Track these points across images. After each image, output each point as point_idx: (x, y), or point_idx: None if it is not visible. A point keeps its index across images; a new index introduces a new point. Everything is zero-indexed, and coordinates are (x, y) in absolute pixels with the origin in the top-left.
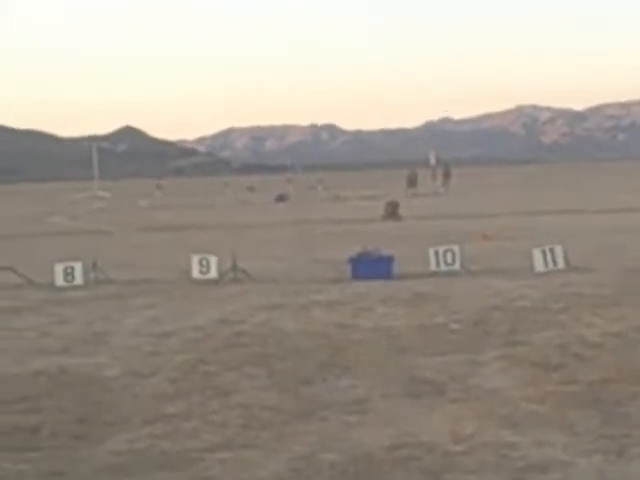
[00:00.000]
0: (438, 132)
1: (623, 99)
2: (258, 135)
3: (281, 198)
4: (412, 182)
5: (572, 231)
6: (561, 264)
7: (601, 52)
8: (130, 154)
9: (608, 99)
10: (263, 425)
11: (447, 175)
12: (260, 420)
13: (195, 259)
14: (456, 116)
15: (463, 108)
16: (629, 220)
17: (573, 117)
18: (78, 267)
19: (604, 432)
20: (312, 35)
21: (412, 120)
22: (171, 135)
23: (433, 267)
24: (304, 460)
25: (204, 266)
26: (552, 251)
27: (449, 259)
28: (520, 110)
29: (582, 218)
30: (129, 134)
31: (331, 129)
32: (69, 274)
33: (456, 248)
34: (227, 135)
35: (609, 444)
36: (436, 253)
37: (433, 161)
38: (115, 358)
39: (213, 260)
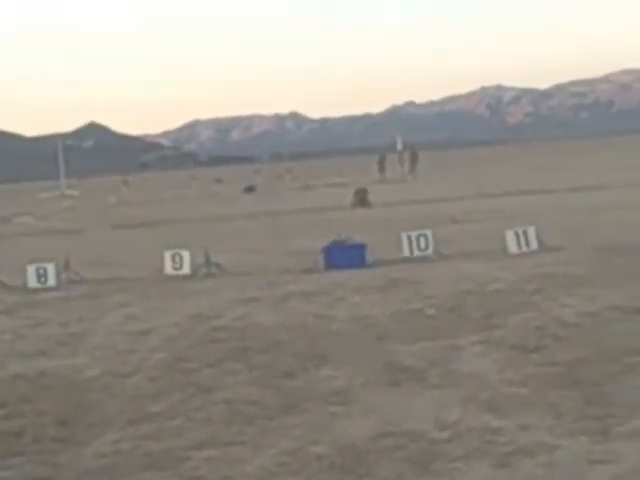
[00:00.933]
0: (403, 116)
1: (587, 76)
2: (223, 126)
3: (249, 189)
4: (382, 167)
5: (540, 211)
6: (534, 245)
7: (565, 31)
8: (96, 150)
9: (572, 77)
10: (247, 420)
11: (414, 159)
12: (244, 415)
13: (167, 255)
14: (420, 99)
15: (427, 91)
16: (596, 198)
17: (537, 96)
18: (51, 268)
19: (587, 413)
20: (272, 27)
21: (377, 105)
22: (136, 130)
23: (406, 253)
24: (290, 454)
25: (177, 262)
26: (525, 232)
27: (422, 244)
28: (484, 91)
29: (549, 198)
30: (94, 130)
31: (296, 117)
32: (42, 275)
33: (429, 233)
34: (192, 127)
35: (593, 425)
36: (409, 238)
37: (400, 146)
38: (94, 358)
39: (186, 255)
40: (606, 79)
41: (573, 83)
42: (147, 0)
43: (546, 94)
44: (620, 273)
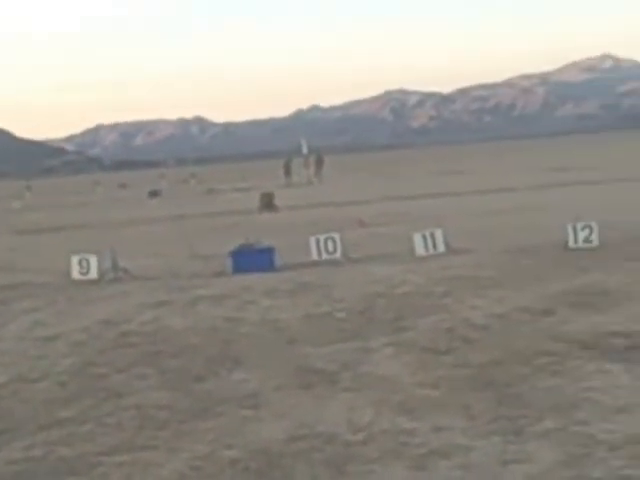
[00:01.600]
0: (308, 120)
1: (488, 81)
2: (127, 131)
3: (154, 194)
4: (288, 171)
5: (447, 214)
6: (442, 248)
7: (466, 36)
8: None
9: (474, 81)
10: (159, 425)
11: (320, 163)
12: (156, 420)
13: (74, 260)
14: (325, 104)
15: (332, 95)
16: (502, 201)
17: (441, 100)
18: None
19: (500, 414)
20: (173, 30)
21: (282, 109)
22: (39, 135)
23: (314, 256)
24: (204, 458)
25: (84, 267)
26: (432, 235)
27: (330, 247)
28: (388, 95)
29: (455, 201)
30: None
31: (201, 122)
32: None
33: (337, 236)
34: (96, 132)
35: (506, 425)
36: (317, 242)
37: (305, 150)
38: (1, 364)
39: (93, 260)
40: (507, 83)
41: (475, 87)
42: (52, 3)
43: (449, 98)
44: (527, 275)
